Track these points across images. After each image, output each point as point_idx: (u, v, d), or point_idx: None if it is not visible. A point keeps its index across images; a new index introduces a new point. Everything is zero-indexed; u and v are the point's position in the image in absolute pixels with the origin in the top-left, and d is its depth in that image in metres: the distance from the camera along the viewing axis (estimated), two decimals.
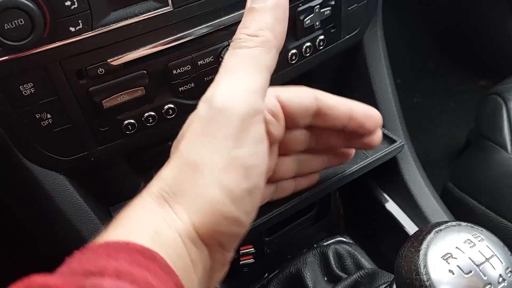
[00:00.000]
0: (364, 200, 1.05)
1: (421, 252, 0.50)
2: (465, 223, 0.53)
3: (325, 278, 0.91)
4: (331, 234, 1.09)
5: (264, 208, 0.84)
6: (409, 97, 2.24)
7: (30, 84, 0.63)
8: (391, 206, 0.98)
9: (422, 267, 0.49)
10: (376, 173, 0.99)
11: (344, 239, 1.08)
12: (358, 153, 0.94)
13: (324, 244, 1.01)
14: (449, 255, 0.49)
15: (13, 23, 0.56)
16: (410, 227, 0.95)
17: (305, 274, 0.89)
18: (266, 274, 0.98)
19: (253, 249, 0.97)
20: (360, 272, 0.85)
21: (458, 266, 0.48)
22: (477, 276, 0.47)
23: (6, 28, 0.56)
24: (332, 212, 1.09)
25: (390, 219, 0.98)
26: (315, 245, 1.02)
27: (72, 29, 0.61)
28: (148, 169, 0.92)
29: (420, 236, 0.52)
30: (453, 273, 0.47)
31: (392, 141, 0.95)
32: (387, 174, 1.00)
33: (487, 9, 1.99)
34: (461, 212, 1.04)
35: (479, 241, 0.50)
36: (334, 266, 0.91)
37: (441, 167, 1.94)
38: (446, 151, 2.02)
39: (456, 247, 0.49)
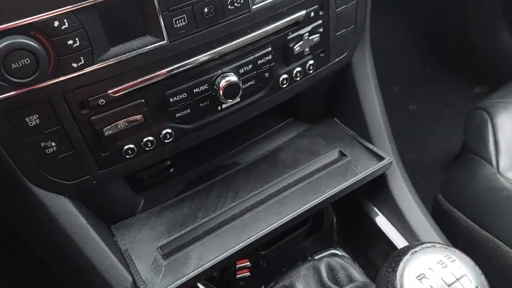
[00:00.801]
0: (355, 214, 1.09)
1: (398, 273, 0.54)
2: (439, 244, 0.57)
3: None
4: (325, 247, 1.13)
5: (261, 224, 0.89)
6: (405, 104, 2.27)
7: (36, 116, 0.67)
8: (381, 220, 1.02)
9: (398, 286, 0.53)
10: (367, 189, 1.03)
11: (338, 252, 1.12)
12: (348, 170, 0.99)
13: (317, 257, 1.05)
14: (422, 275, 0.53)
15: (19, 62, 0.60)
16: (399, 241, 0.99)
17: (298, 287, 0.93)
18: (263, 287, 1.02)
19: (249, 263, 1.01)
20: (351, 285, 0.90)
21: (430, 286, 0.52)
22: None
23: (13, 67, 0.60)
24: (326, 226, 1.13)
25: (380, 232, 1.02)
26: (309, 258, 1.06)
27: (75, 64, 0.65)
28: (148, 188, 0.97)
29: (397, 257, 0.56)
30: None
31: (380, 158, 0.99)
32: (377, 189, 1.04)
33: (481, 18, 2.03)
34: (448, 224, 1.07)
35: (451, 262, 0.54)
36: (326, 278, 0.95)
37: (436, 173, 1.97)
38: (441, 158, 2.05)
39: (429, 268, 0.53)
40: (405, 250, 0.56)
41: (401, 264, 0.55)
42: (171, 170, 0.98)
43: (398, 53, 2.33)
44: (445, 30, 2.26)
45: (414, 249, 0.56)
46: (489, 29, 2.04)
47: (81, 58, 0.65)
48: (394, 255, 0.57)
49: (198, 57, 0.74)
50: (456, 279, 0.52)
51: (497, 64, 2.08)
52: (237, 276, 1.00)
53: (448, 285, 0.52)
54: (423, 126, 2.16)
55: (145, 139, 0.77)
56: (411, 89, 2.31)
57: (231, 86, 0.78)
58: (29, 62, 0.61)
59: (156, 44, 0.70)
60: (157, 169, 0.96)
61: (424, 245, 0.56)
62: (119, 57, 0.68)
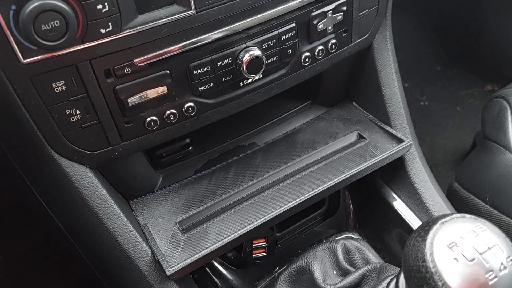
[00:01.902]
0: (372, 198, 1.08)
1: (428, 241, 0.53)
2: (469, 215, 0.56)
3: (334, 272, 0.94)
4: (340, 231, 1.13)
5: (279, 202, 0.88)
6: (416, 100, 2.27)
7: (62, 82, 0.67)
8: (398, 204, 1.02)
9: (428, 254, 0.52)
10: (384, 172, 1.03)
11: (353, 235, 1.11)
12: (366, 152, 0.98)
13: (333, 239, 1.04)
14: (453, 244, 0.52)
15: (49, 24, 0.60)
16: (417, 224, 0.99)
17: (314, 267, 0.92)
18: (277, 268, 1.02)
19: (265, 243, 1.01)
20: (368, 266, 0.89)
21: (462, 254, 0.51)
22: (479, 263, 0.51)
23: (43, 29, 0.60)
24: (341, 209, 1.13)
25: (397, 216, 1.01)
26: (324, 240, 1.06)
27: (103, 30, 0.65)
28: (166, 165, 0.97)
29: (426, 227, 0.55)
30: (457, 261, 0.51)
31: (400, 141, 0.99)
32: (394, 173, 1.03)
33: (493, 14, 2.02)
34: (465, 211, 1.07)
35: (482, 231, 0.53)
36: (342, 260, 0.94)
37: (447, 168, 1.97)
38: (452, 153, 2.05)
39: (461, 237, 0.52)
40: (434, 220, 0.56)
41: (431, 233, 0.54)
42: (190, 148, 0.98)
43: (409, 50, 2.32)
44: (456, 27, 2.25)
45: (444, 219, 0.55)
46: (501, 27, 2.03)
47: (109, 24, 0.65)
48: (423, 225, 0.56)
49: (223, 29, 0.74)
50: (488, 248, 0.52)
51: (509, 62, 2.07)
52: (253, 255, 1.00)
53: (480, 254, 0.51)
54: (434, 122, 2.15)
55: (168, 112, 0.77)
56: (422, 86, 2.31)
57: (254, 60, 0.78)
58: (58, 24, 0.61)
59: (183, 14, 0.70)
60: (176, 146, 0.95)
61: (453, 216, 0.56)
62: (146, 25, 0.68)
